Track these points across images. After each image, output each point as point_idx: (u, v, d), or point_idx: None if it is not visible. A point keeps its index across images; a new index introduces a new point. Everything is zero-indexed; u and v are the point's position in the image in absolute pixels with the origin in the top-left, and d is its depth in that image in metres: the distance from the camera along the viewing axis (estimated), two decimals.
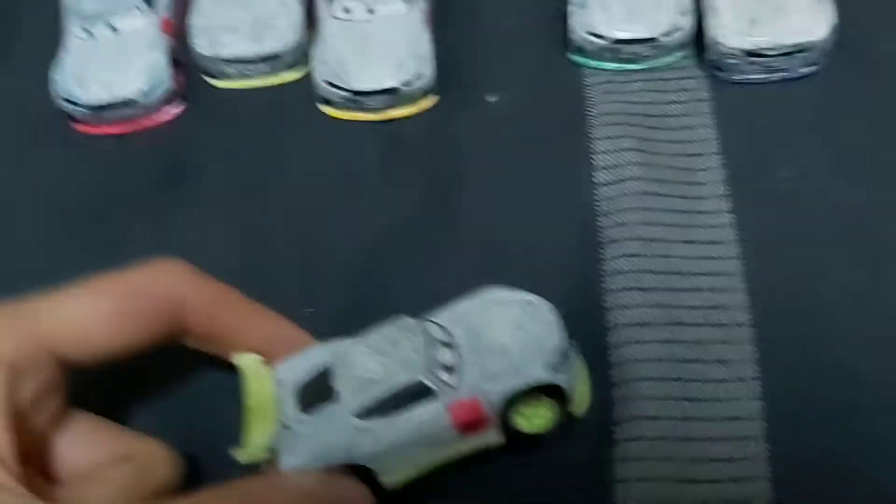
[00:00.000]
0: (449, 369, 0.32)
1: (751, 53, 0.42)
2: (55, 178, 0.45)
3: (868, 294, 0.37)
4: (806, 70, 0.43)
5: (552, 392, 0.32)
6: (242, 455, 0.32)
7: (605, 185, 0.40)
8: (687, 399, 0.35)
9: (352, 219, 0.41)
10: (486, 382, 0.31)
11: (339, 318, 0.38)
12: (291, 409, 0.32)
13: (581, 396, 0.34)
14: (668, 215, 0.39)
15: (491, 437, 0.32)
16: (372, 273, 0.40)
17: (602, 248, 0.39)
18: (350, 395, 0.31)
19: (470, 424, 0.31)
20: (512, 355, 0.32)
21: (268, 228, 0.41)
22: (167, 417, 0.36)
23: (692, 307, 0.37)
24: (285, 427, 0.32)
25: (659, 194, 0.40)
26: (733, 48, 0.42)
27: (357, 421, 0.31)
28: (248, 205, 0.42)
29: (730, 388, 0.35)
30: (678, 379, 0.35)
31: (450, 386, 0.31)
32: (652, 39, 0.43)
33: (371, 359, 0.32)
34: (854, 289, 0.37)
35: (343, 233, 0.41)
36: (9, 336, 0.30)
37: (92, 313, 0.32)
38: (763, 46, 0.42)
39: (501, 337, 0.33)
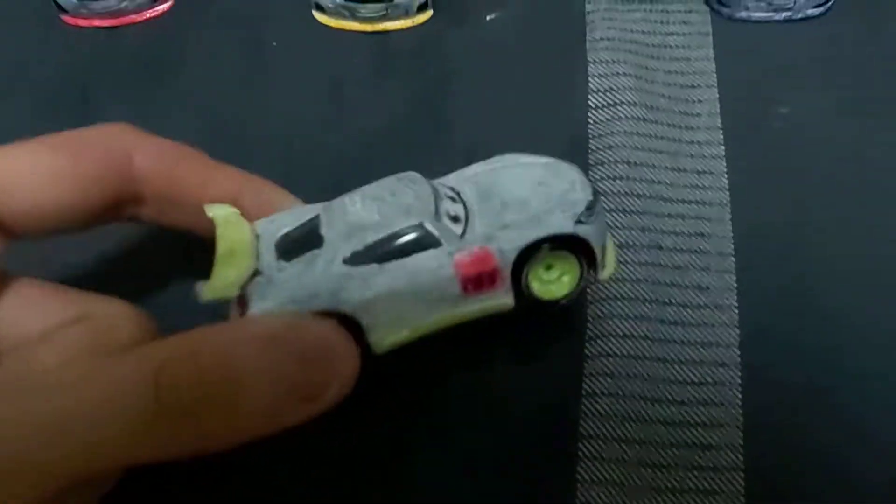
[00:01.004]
0: (456, 219, 0.27)
1: None
2: (40, 65, 0.43)
3: (854, 232, 0.36)
4: (812, 11, 0.41)
5: (575, 250, 0.27)
6: (207, 291, 0.26)
7: (597, 108, 0.39)
8: (662, 321, 0.34)
9: (335, 122, 0.40)
10: (500, 232, 0.26)
11: None
12: (269, 257, 0.27)
13: (608, 258, 0.29)
14: (658, 142, 0.38)
15: (500, 299, 0.27)
16: (352, 175, 0.38)
17: (589, 169, 0.38)
18: (339, 240, 0.26)
19: (477, 279, 0.26)
20: (530, 206, 0.27)
21: (245, 126, 0.40)
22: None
23: (675, 233, 0.36)
24: (260, 275, 0.27)
25: (650, 121, 0.39)
26: None
27: (345, 267, 0.26)
28: (228, 102, 0.41)
29: (707, 314, 0.34)
30: (655, 301, 0.34)
31: (456, 235, 0.26)
32: None
33: (366, 205, 0.27)
34: (841, 227, 0.36)
35: (325, 134, 0.40)
36: None
37: (35, 161, 0.28)
38: None
39: (519, 191, 0.27)
